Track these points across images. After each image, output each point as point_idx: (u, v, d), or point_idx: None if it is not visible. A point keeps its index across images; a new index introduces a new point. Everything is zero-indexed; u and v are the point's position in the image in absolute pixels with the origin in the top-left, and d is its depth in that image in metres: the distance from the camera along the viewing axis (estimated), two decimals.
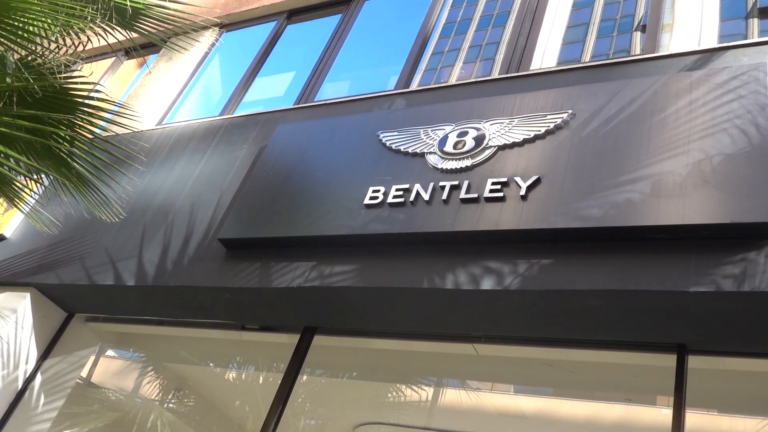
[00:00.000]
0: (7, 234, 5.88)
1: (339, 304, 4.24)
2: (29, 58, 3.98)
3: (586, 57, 5.02)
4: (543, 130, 4.07)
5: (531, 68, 5.00)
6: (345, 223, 4.24)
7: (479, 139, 4.25)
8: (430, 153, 4.35)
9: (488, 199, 3.88)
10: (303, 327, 4.65)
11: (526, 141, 4.09)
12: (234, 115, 6.18)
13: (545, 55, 5.15)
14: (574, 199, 3.63)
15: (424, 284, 3.80)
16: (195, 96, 7.19)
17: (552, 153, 3.93)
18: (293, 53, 6.89)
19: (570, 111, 4.08)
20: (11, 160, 3.98)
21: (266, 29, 7.13)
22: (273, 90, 6.66)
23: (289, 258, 4.37)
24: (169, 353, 5.74)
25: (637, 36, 4.92)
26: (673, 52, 4.38)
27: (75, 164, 4.14)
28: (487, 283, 3.63)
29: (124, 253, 5.19)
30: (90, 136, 4.19)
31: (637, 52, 4.77)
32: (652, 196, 3.44)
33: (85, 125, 4.16)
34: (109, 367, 6.01)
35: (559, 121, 4.07)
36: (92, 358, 5.71)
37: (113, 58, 7.91)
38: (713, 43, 4.43)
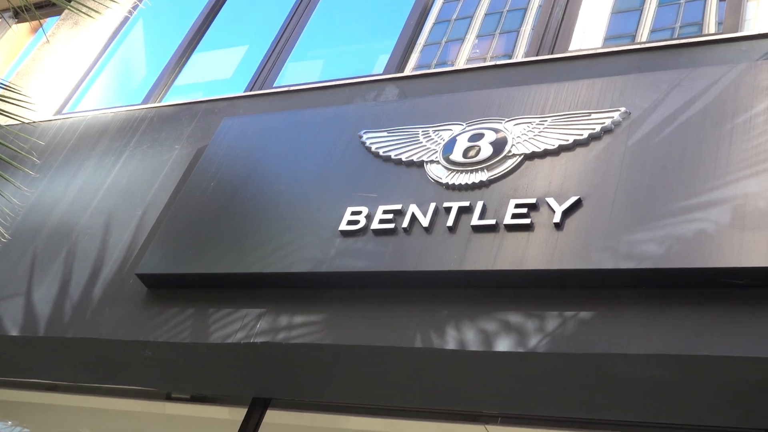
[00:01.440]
0: None
1: (301, 367, 4.22)
2: None
3: (643, 34, 5.06)
4: (586, 134, 4.08)
5: (570, 49, 5.03)
6: (312, 256, 4.22)
7: (499, 145, 4.25)
8: (432, 162, 4.35)
9: (510, 228, 3.88)
10: (251, 398, 4.63)
11: (562, 148, 4.09)
12: (163, 104, 6.17)
13: (589, 31, 5.18)
14: (627, 230, 3.63)
15: (418, 343, 3.78)
16: (109, 76, 7.18)
17: (598, 166, 3.94)
18: (246, 21, 6.89)
19: (623, 109, 4.10)
20: None
21: None
22: (217, 70, 6.66)
23: (234, 302, 4.36)
24: (65, 430, 5.67)
25: (713, 5, 4.97)
26: (764, 31, 4.41)
27: None
28: (506, 344, 3.61)
29: (4, 290, 5.14)
30: None
31: (713, 29, 4.81)
32: (733, 228, 3.45)
33: None
34: None
35: (607, 122, 4.08)
36: None
37: None
38: None
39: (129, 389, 5.01)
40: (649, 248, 3.54)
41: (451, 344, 3.71)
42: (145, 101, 6.45)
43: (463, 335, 3.71)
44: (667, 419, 3.73)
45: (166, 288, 4.64)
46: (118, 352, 4.61)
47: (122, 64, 7.27)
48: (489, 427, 4.15)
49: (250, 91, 5.97)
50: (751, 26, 4.65)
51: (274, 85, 5.95)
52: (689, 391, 3.50)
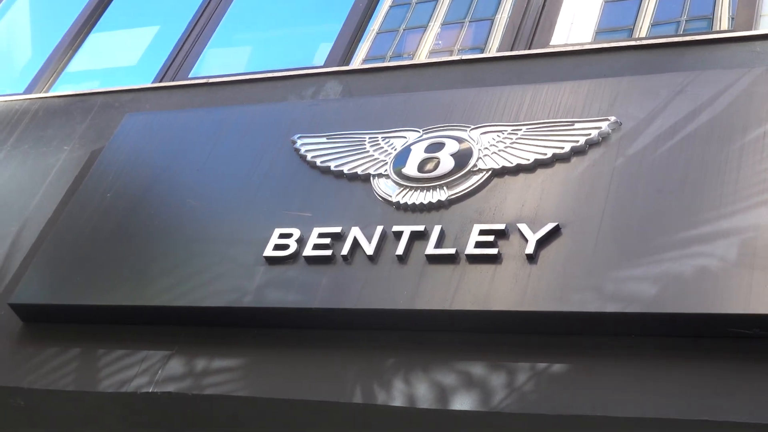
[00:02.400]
0: None
1: (213, 424, 4.19)
2: None
3: (642, 29, 5.12)
4: (568, 147, 4.12)
5: (552, 43, 5.08)
6: (229, 287, 4.21)
7: (462, 158, 4.28)
8: (380, 176, 4.38)
9: (473, 259, 3.89)
10: None
11: (538, 164, 4.13)
12: (50, 95, 6.13)
13: (576, 23, 5.23)
14: (614, 266, 3.66)
15: (357, 397, 3.78)
16: None
17: (581, 186, 3.97)
18: None
19: (613, 118, 4.14)
20: None
21: None
22: (119, 56, 6.63)
23: (131, 342, 4.33)
24: None
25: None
26: None
27: None
28: (465, 401, 3.61)
29: None
30: None
31: (725, 25, 4.89)
32: (740, 266, 3.49)
33: None
34: None
35: (594, 133, 4.12)
36: None
37: None
38: None
39: None
40: (640, 288, 3.56)
41: (398, 400, 3.70)
42: (28, 90, 6.39)
43: (413, 389, 3.70)
44: None
45: (46, 322, 4.59)
46: None
47: (1, 43, 7.21)
48: None
49: (160, 81, 5.95)
50: None
51: (189, 76, 5.93)
52: None
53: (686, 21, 5.10)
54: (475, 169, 4.22)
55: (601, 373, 3.52)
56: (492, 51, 5.28)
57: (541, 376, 3.58)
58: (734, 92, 4.00)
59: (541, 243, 3.83)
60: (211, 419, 4.17)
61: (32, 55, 6.89)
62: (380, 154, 4.48)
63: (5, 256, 5.06)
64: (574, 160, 4.09)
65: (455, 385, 3.66)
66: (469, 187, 4.16)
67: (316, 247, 4.19)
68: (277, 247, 4.25)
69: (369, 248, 4.09)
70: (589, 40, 5.12)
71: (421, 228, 4.06)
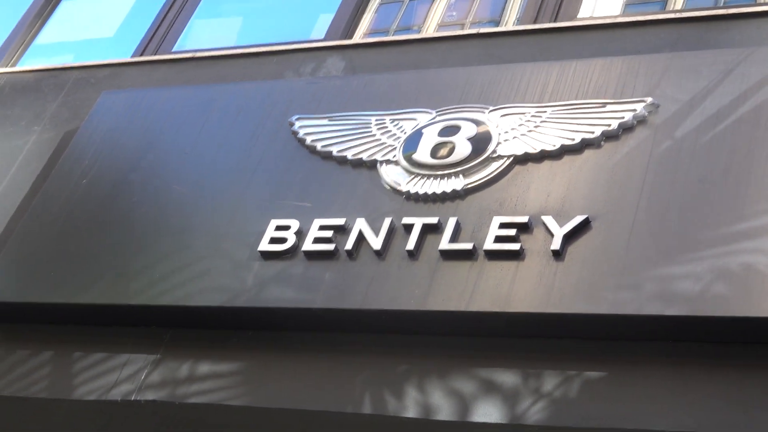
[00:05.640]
0: None
1: None
2: None
3: (677, 0, 5.13)
4: (598, 131, 4.13)
5: (579, 16, 5.09)
6: (221, 285, 4.23)
7: (480, 142, 4.29)
8: (388, 162, 4.39)
9: (493, 255, 3.90)
10: None
11: (566, 150, 4.14)
12: (17, 69, 6.15)
13: None
14: (651, 262, 3.67)
15: (365, 407, 3.79)
16: None
17: (613, 174, 3.99)
18: None
19: (649, 99, 4.15)
20: None
21: None
22: (94, 26, 6.64)
23: (112, 345, 4.34)
24: None
25: None
26: None
27: None
28: (485, 412, 3.62)
29: None
30: None
31: None
32: None
33: None
34: None
35: (628, 116, 4.13)
36: None
37: None
38: None
39: None
40: (680, 288, 3.56)
41: (410, 411, 3.71)
42: None
43: (426, 398, 3.72)
44: None
45: (15, 322, 4.60)
46: None
47: None
48: None
49: (141, 56, 5.97)
50: None
51: (173, 50, 5.96)
52: None
53: None
54: (495, 155, 4.22)
55: (636, 383, 3.52)
56: (510, 24, 5.28)
57: (570, 384, 3.59)
58: None
59: (569, 238, 3.84)
60: (201, 431, 4.18)
61: None
62: (388, 138, 4.49)
63: None
64: (605, 146, 4.10)
65: (475, 395, 3.68)
66: (488, 175, 4.17)
67: (317, 240, 4.20)
68: (274, 241, 4.27)
69: (376, 242, 4.10)
70: (619, 13, 5.13)
71: (434, 220, 4.07)
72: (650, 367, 3.54)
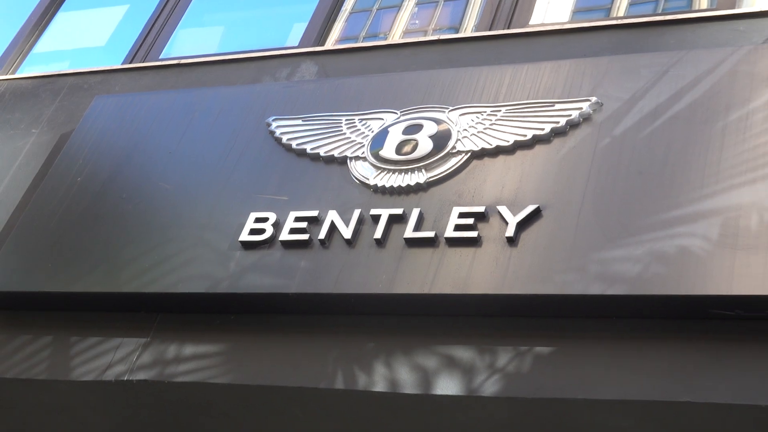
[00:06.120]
0: None
1: (188, 412, 4.22)
2: None
3: (620, 8, 5.15)
4: (548, 128, 4.14)
5: (531, 23, 5.10)
6: (204, 272, 4.23)
7: (441, 140, 4.30)
8: (357, 159, 4.39)
9: (452, 242, 3.91)
10: None
11: (518, 145, 4.15)
12: (16, 76, 6.12)
13: (554, 3, 5.25)
14: (596, 246, 3.69)
15: (338, 383, 3.80)
16: None
17: (562, 167, 4.00)
18: None
19: (593, 99, 4.17)
20: None
21: None
22: (88, 36, 6.61)
23: (105, 330, 4.34)
24: None
25: None
26: (765, 8, 4.51)
27: None
28: (446, 385, 3.64)
29: None
30: None
31: (705, 3, 4.93)
32: (722, 246, 3.52)
33: None
34: None
35: (574, 114, 4.14)
36: None
37: None
38: None
39: None
40: (622, 270, 3.59)
41: (379, 386, 3.73)
42: None
43: (394, 374, 3.73)
44: None
45: (16, 309, 4.59)
46: None
47: None
48: None
49: (130, 63, 5.94)
50: (751, 1, 4.75)
51: (160, 57, 5.94)
52: None
53: (665, 0, 5.13)
54: (454, 151, 4.24)
55: (584, 356, 3.55)
56: (468, 31, 5.29)
57: (523, 359, 3.61)
58: (718, 72, 4.03)
59: (522, 225, 3.86)
60: (189, 407, 4.19)
61: None
62: (357, 136, 4.49)
63: None
64: (554, 141, 4.11)
65: (436, 370, 3.69)
66: (448, 169, 4.18)
67: (293, 231, 4.20)
68: (253, 232, 4.27)
69: (346, 232, 4.10)
70: (567, 20, 5.14)
71: (399, 211, 4.08)
72: (595, 342, 3.57)
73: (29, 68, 6.35)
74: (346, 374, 3.81)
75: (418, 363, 3.74)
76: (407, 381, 3.70)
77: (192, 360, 4.10)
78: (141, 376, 4.11)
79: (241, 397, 4.01)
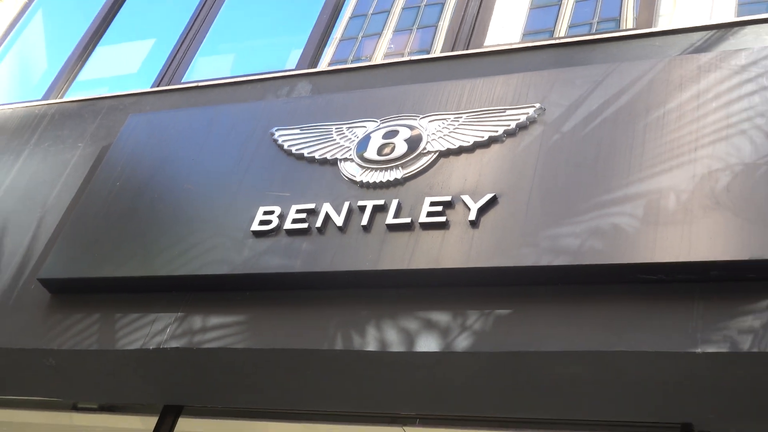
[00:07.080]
0: None
1: (215, 373, 4.24)
2: None
3: (561, 29, 5.17)
4: (501, 130, 4.18)
5: (486, 44, 5.13)
6: (223, 257, 4.25)
7: (414, 142, 4.33)
8: (346, 160, 4.41)
9: (426, 226, 3.95)
10: (163, 406, 4.63)
11: (477, 145, 4.19)
12: (64, 100, 6.10)
13: (506, 26, 5.27)
14: (543, 226, 3.74)
15: (337, 345, 3.84)
16: (6, 70, 7.05)
17: (514, 162, 4.04)
18: (153, 13, 6.84)
19: (538, 105, 4.21)
20: None
21: None
22: (122, 65, 6.59)
23: (144, 307, 4.36)
24: None
25: (631, 1, 5.10)
26: (677, 26, 4.56)
27: None
28: (424, 343, 3.69)
29: None
30: None
31: (630, 24, 4.96)
32: (646, 223, 3.58)
33: None
34: None
35: (522, 118, 4.19)
36: None
37: None
38: (729, 17, 4.64)
39: (31, 400, 4.94)
40: (566, 243, 3.64)
41: (371, 345, 3.77)
42: (45, 97, 6.35)
43: (382, 335, 3.77)
44: (585, 416, 3.86)
45: (70, 293, 4.60)
46: (20, 361, 4.56)
47: (21, 57, 7.14)
48: (407, 428, 4.21)
49: (158, 86, 5.93)
50: (667, 22, 4.79)
51: (182, 81, 5.93)
52: (606, 388, 3.62)
53: (598, 22, 5.15)
54: (425, 151, 4.27)
55: (535, 316, 3.60)
56: (436, 52, 5.32)
57: (487, 320, 3.66)
58: (640, 81, 4.07)
59: (482, 210, 3.90)
60: (210, 369, 4.21)
61: (47, 66, 6.84)
62: (345, 141, 4.52)
63: (32, 239, 5.05)
64: (507, 141, 4.15)
65: (417, 331, 3.74)
66: (421, 166, 4.22)
67: (295, 221, 4.23)
68: (262, 222, 4.29)
69: (339, 220, 4.13)
70: (518, 41, 5.17)
71: (381, 202, 4.12)
72: (545, 304, 3.62)
73: (74, 93, 6.34)
74: (344, 337, 3.84)
75: (402, 326, 3.78)
76: (394, 341, 3.75)
77: (216, 329, 4.13)
78: (174, 344, 4.14)
79: (258, 358, 4.05)
